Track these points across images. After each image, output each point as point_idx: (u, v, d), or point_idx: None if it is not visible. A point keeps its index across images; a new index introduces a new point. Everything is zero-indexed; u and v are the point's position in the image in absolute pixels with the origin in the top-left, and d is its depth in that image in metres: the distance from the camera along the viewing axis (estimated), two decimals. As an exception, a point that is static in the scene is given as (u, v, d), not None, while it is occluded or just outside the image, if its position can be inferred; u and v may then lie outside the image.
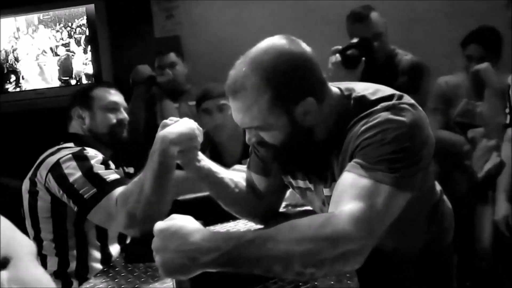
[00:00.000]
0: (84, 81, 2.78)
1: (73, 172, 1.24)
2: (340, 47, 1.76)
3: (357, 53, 1.74)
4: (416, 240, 1.08)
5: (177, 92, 2.34)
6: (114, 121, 1.45)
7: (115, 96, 1.49)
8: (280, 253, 0.72)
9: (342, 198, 0.78)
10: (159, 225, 0.76)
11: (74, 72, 2.79)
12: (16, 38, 2.85)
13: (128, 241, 1.38)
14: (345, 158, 0.87)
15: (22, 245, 0.42)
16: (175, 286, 0.81)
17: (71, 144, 1.39)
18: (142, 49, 2.66)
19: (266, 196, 1.15)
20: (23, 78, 2.84)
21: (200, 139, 1.16)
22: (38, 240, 1.34)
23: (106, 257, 1.32)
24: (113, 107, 1.46)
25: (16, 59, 2.85)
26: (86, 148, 1.33)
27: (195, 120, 2.16)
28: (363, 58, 1.74)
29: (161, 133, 1.13)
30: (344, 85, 0.95)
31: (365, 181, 0.79)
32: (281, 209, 1.28)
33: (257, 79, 0.85)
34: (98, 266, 1.31)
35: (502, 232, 1.81)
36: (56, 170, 1.27)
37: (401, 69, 1.85)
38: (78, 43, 2.78)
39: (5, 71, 2.84)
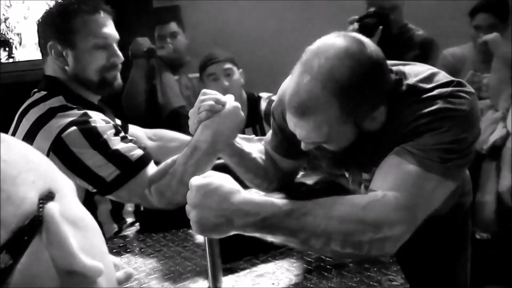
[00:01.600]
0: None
1: (86, 152, 1.04)
2: (357, 16, 1.84)
3: (374, 22, 1.80)
4: (443, 205, 1.07)
5: (177, 64, 2.28)
6: (106, 63, 1.14)
7: (106, 26, 1.14)
8: (319, 229, 0.71)
9: (387, 182, 0.77)
10: (197, 180, 0.73)
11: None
12: (8, 7, 2.74)
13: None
14: (391, 143, 0.82)
15: (63, 181, 0.38)
16: (206, 244, 0.79)
17: (60, 99, 1.10)
18: (140, 18, 2.58)
19: (285, 171, 1.12)
20: (16, 49, 2.75)
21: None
22: None
23: (120, 223, 1.21)
24: (105, 44, 1.13)
25: (9, 29, 2.74)
26: (89, 113, 1.08)
27: (199, 88, 2.12)
28: (380, 27, 1.80)
29: (215, 130, 1.01)
30: (393, 66, 0.87)
31: (413, 168, 0.76)
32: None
33: (329, 98, 0.76)
34: (112, 230, 1.19)
35: (507, 203, 1.82)
36: (61, 150, 1.04)
37: (413, 43, 1.94)
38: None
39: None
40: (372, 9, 1.85)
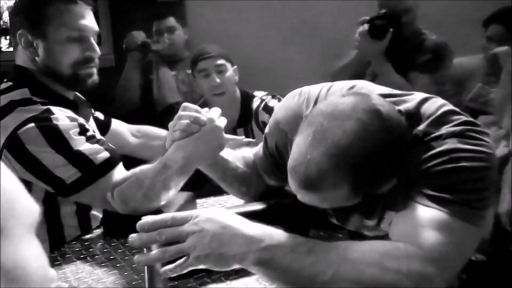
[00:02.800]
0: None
1: (43, 151, 0.97)
2: (367, 17, 1.79)
3: (384, 24, 1.75)
4: None
5: (175, 59, 2.24)
6: (79, 56, 1.06)
7: (84, 17, 1.05)
8: (348, 274, 0.64)
9: (407, 231, 0.69)
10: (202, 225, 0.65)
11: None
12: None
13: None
14: (401, 189, 0.75)
15: (19, 213, 0.35)
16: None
17: (25, 91, 1.03)
18: (143, 12, 2.55)
19: (273, 186, 1.05)
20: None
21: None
22: None
23: (85, 226, 1.16)
24: (79, 37, 1.05)
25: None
26: (52, 109, 1.01)
27: (191, 86, 2.07)
28: (391, 29, 1.75)
29: (188, 153, 0.94)
30: (401, 98, 0.79)
31: (432, 212, 0.69)
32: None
33: (341, 178, 0.68)
34: (76, 233, 1.14)
35: (504, 226, 1.73)
36: (17, 148, 0.98)
37: (425, 47, 1.87)
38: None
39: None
40: (383, 11, 1.79)
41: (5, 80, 1.11)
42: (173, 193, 1.01)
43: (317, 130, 0.69)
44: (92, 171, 1.01)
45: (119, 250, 1.02)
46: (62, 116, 1.03)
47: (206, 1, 2.60)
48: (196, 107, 0.96)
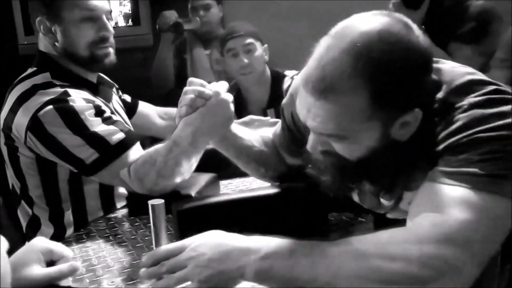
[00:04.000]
0: (122, 23, 2.72)
1: (62, 132, 1.02)
2: None
3: None
4: None
5: (209, 37, 2.23)
6: (95, 36, 1.10)
7: None
8: (350, 270, 0.58)
9: (427, 212, 0.62)
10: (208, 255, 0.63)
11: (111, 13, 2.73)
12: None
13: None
14: (418, 165, 0.70)
15: None
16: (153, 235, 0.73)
17: (47, 75, 1.09)
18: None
19: (292, 167, 1.01)
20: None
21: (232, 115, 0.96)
22: (24, 193, 1.16)
23: (109, 205, 1.21)
24: (92, 16, 1.09)
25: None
26: (69, 91, 1.06)
27: (224, 64, 2.05)
28: None
29: (195, 128, 0.93)
30: None
31: (458, 190, 0.61)
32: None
33: (360, 78, 0.62)
34: (99, 213, 1.19)
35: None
36: (38, 129, 1.03)
37: (469, 14, 1.69)
38: (116, -17, 2.71)
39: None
40: None
41: (32, 67, 1.17)
42: (188, 169, 1.02)
43: (334, 37, 0.66)
44: (108, 151, 1.04)
45: (140, 231, 1.04)
46: (78, 98, 1.07)
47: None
48: (201, 81, 0.94)
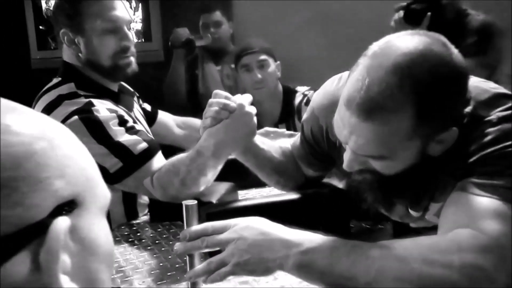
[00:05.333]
0: (134, 39, 2.78)
1: (87, 141, 0.96)
2: (404, 3, 1.70)
3: (421, 7, 1.65)
4: None
5: (220, 53, 2.28)
6: (116, 47, 1.13)
7: (115, 8, 1.12)
8: (391, 272, 0.60)
9: (458, 222, 0.64)
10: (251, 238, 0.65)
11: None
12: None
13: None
14: (448, 178, 0.72)
15: (96, 194, 0.38)
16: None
17: (71, 85, 1.12)
18: (191, 8, 2.61)
19: (309, 177, 1.04)
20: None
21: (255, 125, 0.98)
22: None
23: (132, 212, 1.23)
24: (114, 28, 1.12)
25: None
26: (94, 101, 1.08)
27: (235, 80, 2.09)
28: (429, 13, 1.64)
29: (218, 140, 0.95)
30: None
31: (488, 201, 0.64)
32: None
33: (406, 98, 0.62)
34: (122, 220, 1.21)
35: None
36: None
37: (470, 28, 1.75)
38: (128, 0, 2.78)
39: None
40: None
41: (57, 77, 1.21)
42: (210, 179, 1.05)
43: (374, 56, 0.66)
44: (132, 161, 1.07)
45: (164, 236, 1.06)
46: (102, 108, 1.09)
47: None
48: (226, 93, 0.96)
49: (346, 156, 0.72)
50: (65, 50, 1.18)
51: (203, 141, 0.99)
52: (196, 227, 0.69)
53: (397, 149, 0.67)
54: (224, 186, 1.20)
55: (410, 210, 0.83)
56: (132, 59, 1.17)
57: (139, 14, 2.76)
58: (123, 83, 1.30)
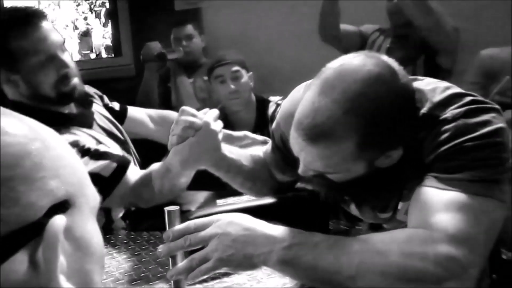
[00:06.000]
0: (104, 54, 2.76)
1: None
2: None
3: None
4: None
5: (192, 66, 2.29)
6: (56, 77, 1.08)
7: (45, 37, 1.05)
8: (373, 266, 0.62)
9: (426, 217, 0.67)
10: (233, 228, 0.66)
11: (93, 45, 2.77)
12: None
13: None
14: (406, 178, 0.75)
15: (87, 194, 0.38)
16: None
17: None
18: (162, 22, 2.62)
19: (282, 183, 1.05)
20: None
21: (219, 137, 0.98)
22: None
23: (108, 223, 1.21)
24: (48, 58, 1.06)
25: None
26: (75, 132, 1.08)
27: (208, 92, 2.09)
28: None
29: (184, 157, 0.95)
30: None
31: (452, 195, 0.66)
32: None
33: (349, 128, 0.66)
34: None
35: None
36: None
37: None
38: (97, 15, 2.76)
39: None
40: None
41: None
42: (183, 186, 1.07)
43: (324, 82, 0.68)
44: (107, 183, 1.07)
45: (143, 247, 1.05)
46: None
47: (223, 8, 2.65)
48: (193, 111, 0.95)
49: (301, 164, 0.75)
50: (7, 89, 1.12)
51: (169, 158, 1.00)
52: (179, 226, 0.69)
53: (343, 166, 0.71)
54: (203, 195, 1.21)
55: (378, 213, 0.85)
56: (76, 80, 1.12)
57: (109, 29, 2.75)
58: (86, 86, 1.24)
